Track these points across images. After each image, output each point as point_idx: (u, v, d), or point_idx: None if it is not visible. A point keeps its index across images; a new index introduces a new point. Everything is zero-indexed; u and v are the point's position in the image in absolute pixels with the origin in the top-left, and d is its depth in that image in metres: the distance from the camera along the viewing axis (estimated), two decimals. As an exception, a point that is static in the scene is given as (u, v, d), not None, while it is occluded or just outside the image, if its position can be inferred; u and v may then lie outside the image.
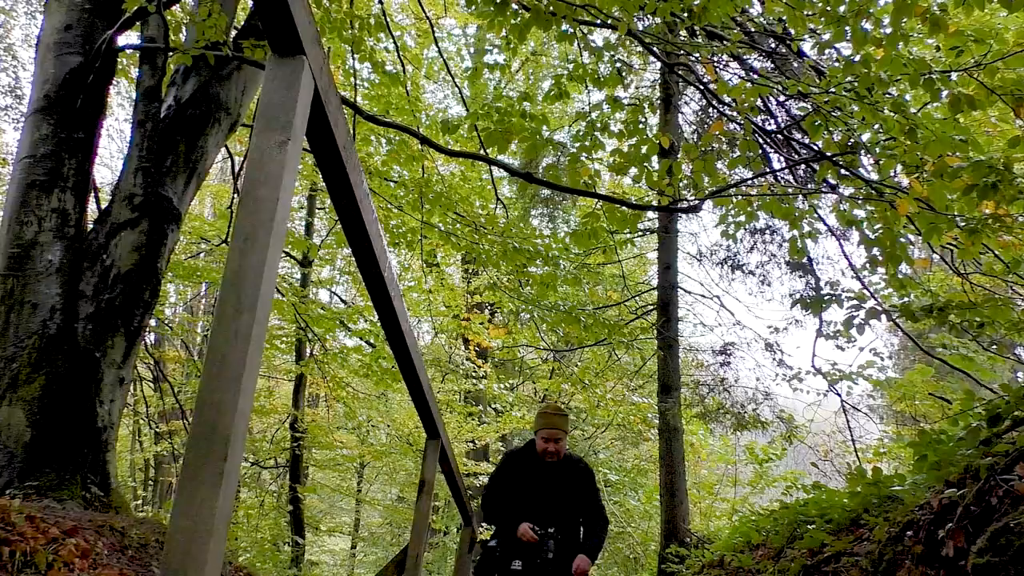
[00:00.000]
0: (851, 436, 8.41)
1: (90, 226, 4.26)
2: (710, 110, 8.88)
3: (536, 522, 3.99)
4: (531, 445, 4.25)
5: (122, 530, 3.11)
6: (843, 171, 4.61)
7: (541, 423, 4.22)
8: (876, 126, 4.26)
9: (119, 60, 4.64)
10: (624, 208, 5.09)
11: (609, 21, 4.55)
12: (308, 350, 12.69)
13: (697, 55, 5.40)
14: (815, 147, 5.29)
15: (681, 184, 4.98)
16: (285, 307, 10.25)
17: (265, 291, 1.36)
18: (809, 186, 6.52)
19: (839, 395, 8.01)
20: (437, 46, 7.35)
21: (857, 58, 4.01)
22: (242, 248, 1.36)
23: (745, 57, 6.90)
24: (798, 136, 6.47)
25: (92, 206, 4.37)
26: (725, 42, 5.39)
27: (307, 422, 13.32)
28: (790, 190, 5.52)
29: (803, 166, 6.61)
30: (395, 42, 6.76)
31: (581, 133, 4.88)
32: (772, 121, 7.31)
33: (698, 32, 5.63)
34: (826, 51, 5.64)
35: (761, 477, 11.27)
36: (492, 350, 14.37)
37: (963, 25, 4.33)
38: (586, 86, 5.32)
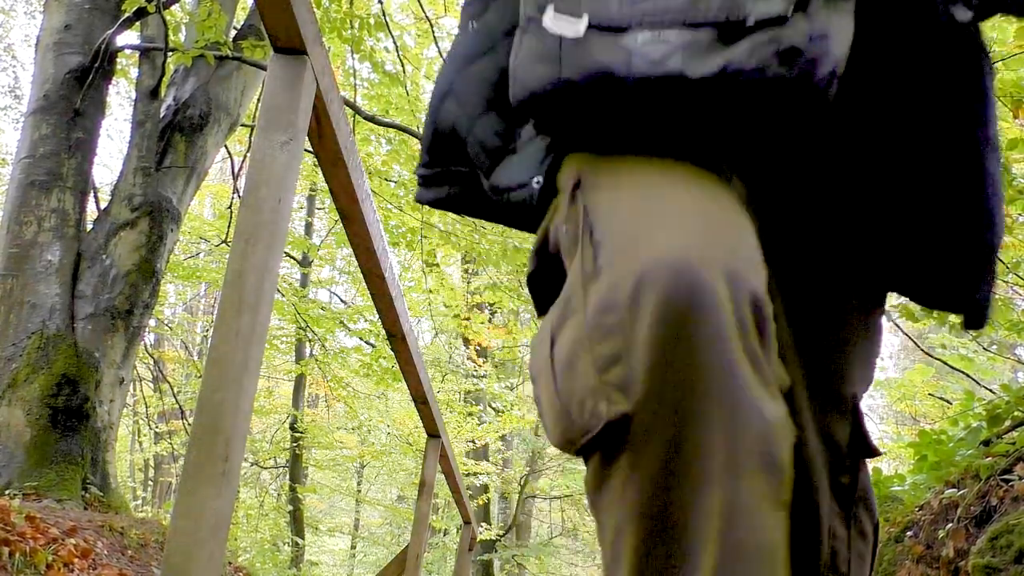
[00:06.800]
0: (851, 436, 8.40)
1: (90, 226, 4.27)
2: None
3: None
4: None
5: (122, 530, 3.11)
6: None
7: None
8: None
9: (119, 60, 4.65)
10: (624, 208, 5.08)
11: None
12: (308, 350, 12.69)
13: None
14: (815, 147, 5.28)
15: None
16: (285, 307, 10.25)
17: (266, 291, 1.36)
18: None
19: (839, 395, 7.99)
20: (437, 46, 7.35)
21: (857, 58, 4.01)
22: (243, 248, 1.36)
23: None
24: (798, 136, 6.46)
25: (92, 206, 4.37)
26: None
27: (307, 422, 13.33)
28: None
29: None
30: (395, 42, 6.76)
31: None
32: (772, 121, 7.30)
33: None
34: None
35: (761, 477, 11.26)
36: (492, 350, 14.37)
37: (963, 25, 4.32)
38: (586, 86, 5.31)
